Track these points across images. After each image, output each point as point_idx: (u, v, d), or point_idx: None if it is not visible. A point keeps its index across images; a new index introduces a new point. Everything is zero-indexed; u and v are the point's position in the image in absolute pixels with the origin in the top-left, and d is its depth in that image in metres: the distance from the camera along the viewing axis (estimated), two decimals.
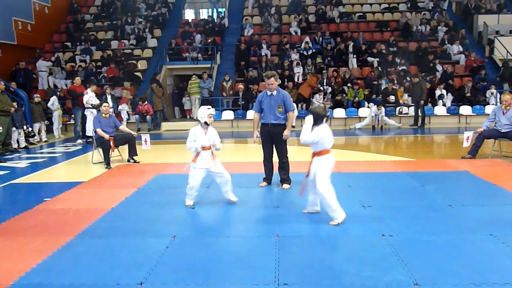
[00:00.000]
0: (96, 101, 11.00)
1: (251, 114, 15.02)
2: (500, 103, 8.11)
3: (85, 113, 11.23)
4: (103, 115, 8.38)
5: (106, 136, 8.11)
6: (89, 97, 11.12)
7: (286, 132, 6.04)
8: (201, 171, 5.24)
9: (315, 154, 4.58)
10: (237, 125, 15.28)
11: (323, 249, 3.95)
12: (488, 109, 14.30)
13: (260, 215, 5.00)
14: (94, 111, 10.62)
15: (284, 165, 6.18)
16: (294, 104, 6.77)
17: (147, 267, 3.64)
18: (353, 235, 4.26)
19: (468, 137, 8.03)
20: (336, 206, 4.48)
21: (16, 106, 11.09)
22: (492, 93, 15.13)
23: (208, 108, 5.27)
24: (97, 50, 18.65)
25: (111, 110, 12.87)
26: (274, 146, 6.19)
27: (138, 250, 4.03)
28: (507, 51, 16.35)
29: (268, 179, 6.36)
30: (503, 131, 7.92)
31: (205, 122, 5.20)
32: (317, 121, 4.50)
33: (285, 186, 6.16)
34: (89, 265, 3.69)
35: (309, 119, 4.56)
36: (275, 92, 6.04)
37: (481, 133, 8.08)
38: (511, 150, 7.77)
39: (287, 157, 6.18)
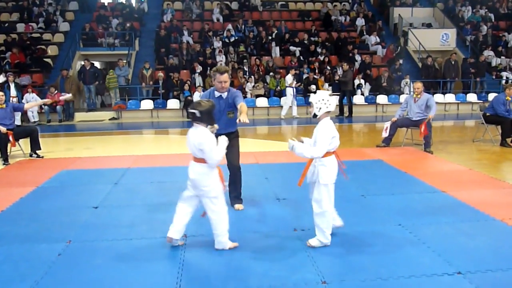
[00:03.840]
0: None
1: (171, 103, 14.49)
2: (413, 92, 8.38)
3: None
4: None
5: (3, 129, 7.30)
6: None
7: (243, 118, 4.14)
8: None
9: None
10: (157, 115, 14.61)
11: (232, 248, 3.72)
12: (403, 98, 14.91)
13: (170, 214, 4.65)
14: None
15: (237, 178, 4.76)
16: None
17: (32, 279, 3.20)
18: (264, 231, 4.08)
19: (386, 127, 8.24)
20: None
21: None
22: (406, 83, 15.82)
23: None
24: (0, 33, 16.94)
25: (15, 99, 11.82)
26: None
27: (24, 260, 3.55)
28: (420, 43, 17.21)
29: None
30: (414, 119, 8.18)
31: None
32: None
33: (239, 206, 4.76)
34: None
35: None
36: (225, 94, 4.52)
37: (395, 122, 8.31)
38: (422, 138, 8.05)
39: (240, 167, 4.80)
